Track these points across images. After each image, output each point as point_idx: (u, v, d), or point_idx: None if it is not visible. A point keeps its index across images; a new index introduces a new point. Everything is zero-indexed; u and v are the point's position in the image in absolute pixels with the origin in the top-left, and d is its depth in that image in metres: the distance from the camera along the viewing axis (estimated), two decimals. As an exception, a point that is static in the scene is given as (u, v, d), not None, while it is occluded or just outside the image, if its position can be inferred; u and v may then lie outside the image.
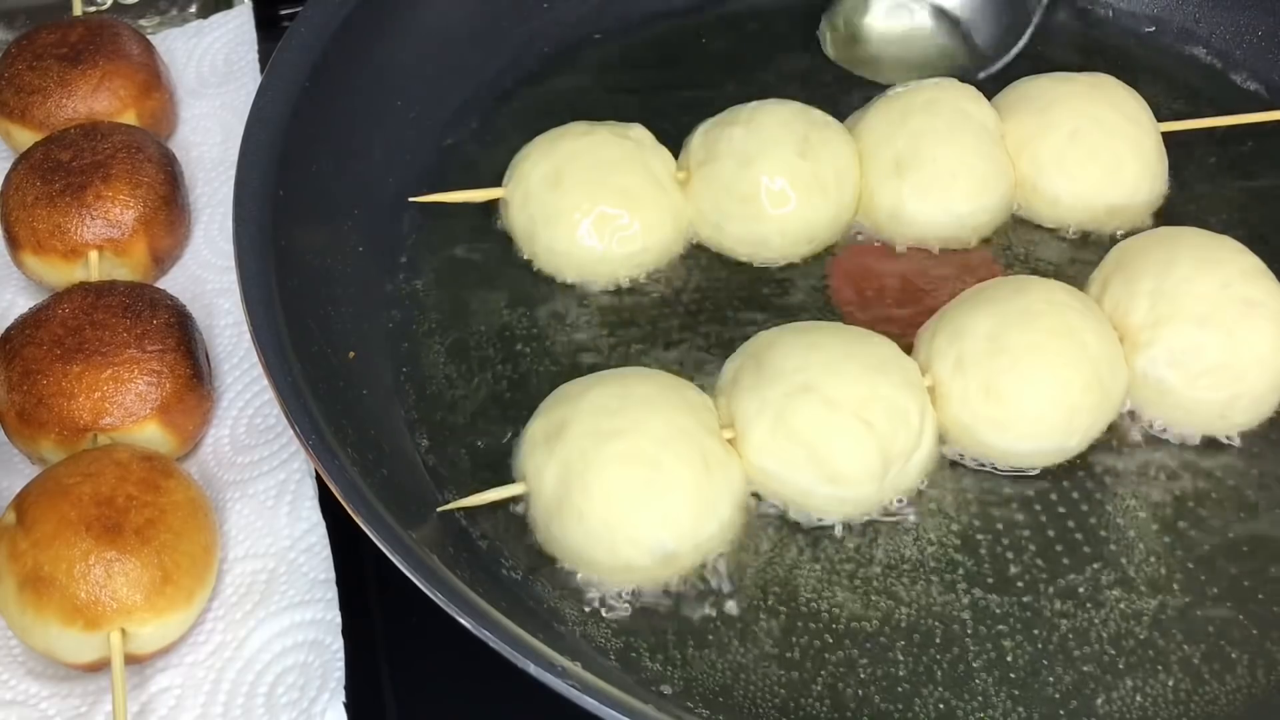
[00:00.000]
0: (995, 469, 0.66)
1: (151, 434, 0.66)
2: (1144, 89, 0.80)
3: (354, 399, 0.64)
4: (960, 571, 0.63)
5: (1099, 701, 0.59)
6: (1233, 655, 0.60)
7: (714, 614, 0.61)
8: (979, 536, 0.64)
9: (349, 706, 0.58)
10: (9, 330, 0.69)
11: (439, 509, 0.63)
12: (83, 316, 0.68)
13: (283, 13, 0.99)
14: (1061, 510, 0.65)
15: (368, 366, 0.68)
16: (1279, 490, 0.66)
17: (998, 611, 0.61)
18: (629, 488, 0.60)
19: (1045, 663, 0.60)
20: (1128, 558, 0.63)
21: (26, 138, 0.81)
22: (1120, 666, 0.60)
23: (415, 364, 0.72)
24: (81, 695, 0.60)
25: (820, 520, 0.64)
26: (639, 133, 0.76)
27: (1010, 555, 0.63)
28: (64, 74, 0.81)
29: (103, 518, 0.59)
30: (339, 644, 0.60)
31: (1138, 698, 0.59)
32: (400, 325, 0.73)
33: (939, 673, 0.59)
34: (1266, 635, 0.61)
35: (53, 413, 0.65)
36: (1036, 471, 0.66)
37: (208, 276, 0.78)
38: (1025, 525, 0.64)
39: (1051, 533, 0.64)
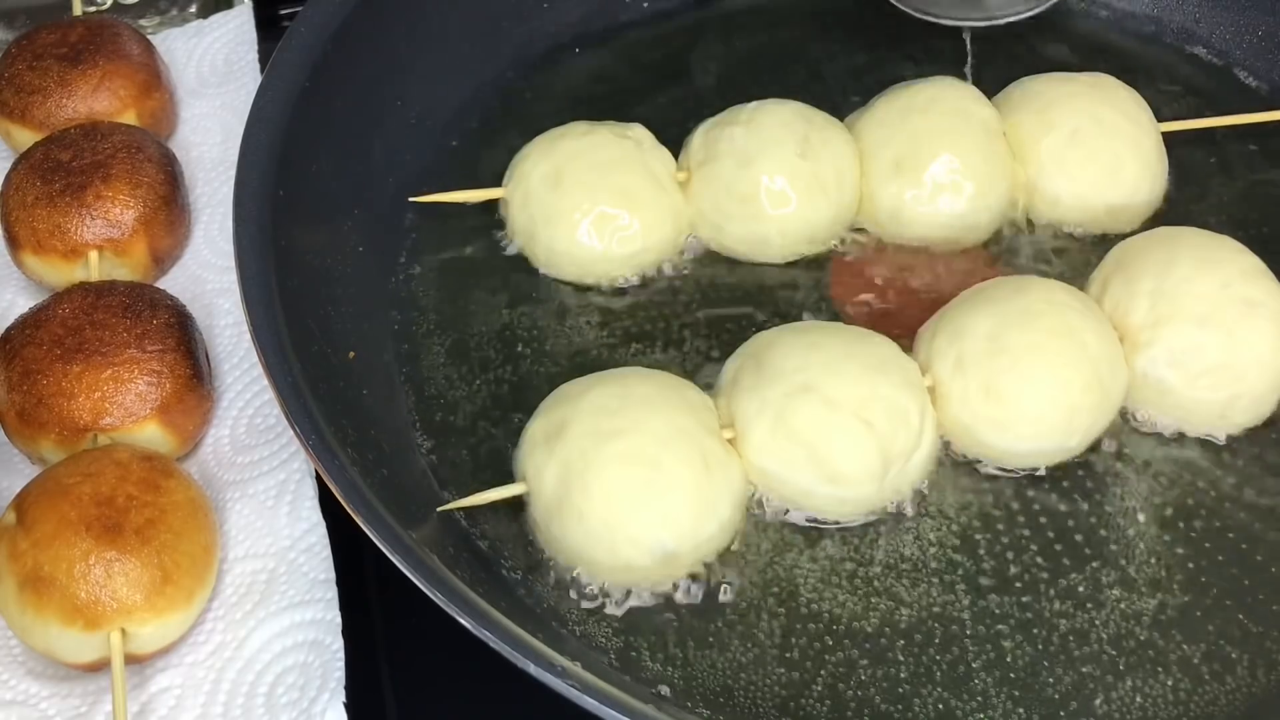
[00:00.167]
0: (995, 469, 0.66)
1: (151, 434, 0.66)
2: (1144, 89, 0.80)
3: (354, 399, 0.64)
4: (960, 572, 0.63)
5: (1098, 702, 0.59)
6: (1233, 655, 0.60)
7: (714, 614, 0.61)
8: (979, 536, 0.64)
9: (349, 706, 0.58)
10: (9, 330, 0.69)
11: (439, 509, 0.63)
12: (83, 316, 0.68)
13: (283, 13, 0.99)
14: (1061, 510, 0.65)
15: (368, 366, 0.68)
16: (1279, 490, 0.66)
17: (998, 612, 0.61)
18: (629, 488, 0.60)
19: (1045, 663, 0.60)
20: (1128, 558, 0.63)
21: (26, 138, 0.81)
22: (1120, 667, 0.60)
23: (415, 364, 0.72)
24: (81, 695, 0.60)
25: (820, 520, 0.64)
26: (639, 133, 0.76)
27: (1010, 555, 0.63)
28: (64, 74, 0.81)
29: (103, 518, 0.59)
30: (339, 644, 0.60)
31: (1137, 698, 0.59)
32: (400, 325, 0.73)
33: (939, 673, 0.59)
34: (1266, 635, 0.61)
35: (53, 413, 0.65)
36: (1036, 471, 0.66)
37: (208, 276, 0.78)
38: (1025, 525, 0.64)
39: (1051, 533, 0.64)
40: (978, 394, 0.64)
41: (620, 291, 0.74)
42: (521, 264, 0.76)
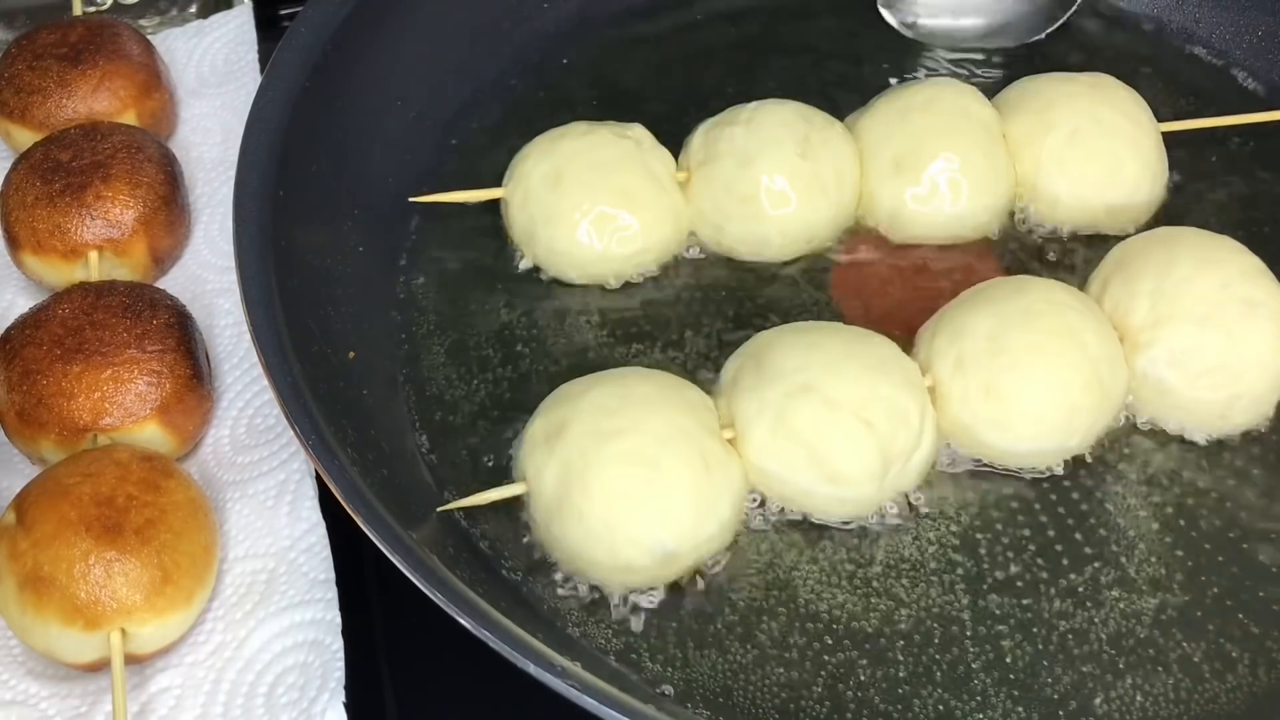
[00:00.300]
0: (996, 469, 0.66)
1: (151, 434, 0.66)
2: (1144, 89, 0.79)
3: (354, 399, 0.64)
4: (960, 572, 0.63)
5: (1098, 701, 0.59)
6: (1233, 654, 0.60)
7: (714, 614, 0.61)
8: (979, 536, 0.64)
9: (349, 706, 0.58)
10: (9, 330, 0.69)
11: (439, 509, 0.63)
12: (83, 316, 0.68)
13: (283, 13, 0.99)
14: (1061, 510, 0.65)
15: (368, 366, 0.68)
16: (1279, 490, 0.66)
17: (997, 612, 0.61)
18: (629, 488, 0.60)
19: (1045, 663, 0.60)
20: (1128, 558, 0.63)
21: (26, 138, 0.81)
22: (1120, 666, 0.60)
23: (415, 364, 0.72)
24: (81, 695, 0.60)
25: (820, 520, 0.64)
26: (639, 132, 0.76)
27: (1010, 555, 0.63)
28: (64, 74, 0.81)
29: (103, 518, 0.59)
30: (339, 644, 0.60)
31: (1137, 697, 0.59)
32: (400, 325, 0.73)
33: (938, 673, 0.59)
34: (1266, 635, 0.61)
35: (53, 413, 0.65)
36: (1036, 471, 0.66)
37: (208, 276, 0.78)
38: (1025, 525, 0.64)
39: (1051, 533, 0.64)
40: (978, 394, 0.64)
41: (620, 291, 0.74)
42: (522, 265, 0.76)
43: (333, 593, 0.62)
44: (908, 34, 0.88)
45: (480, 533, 0.64)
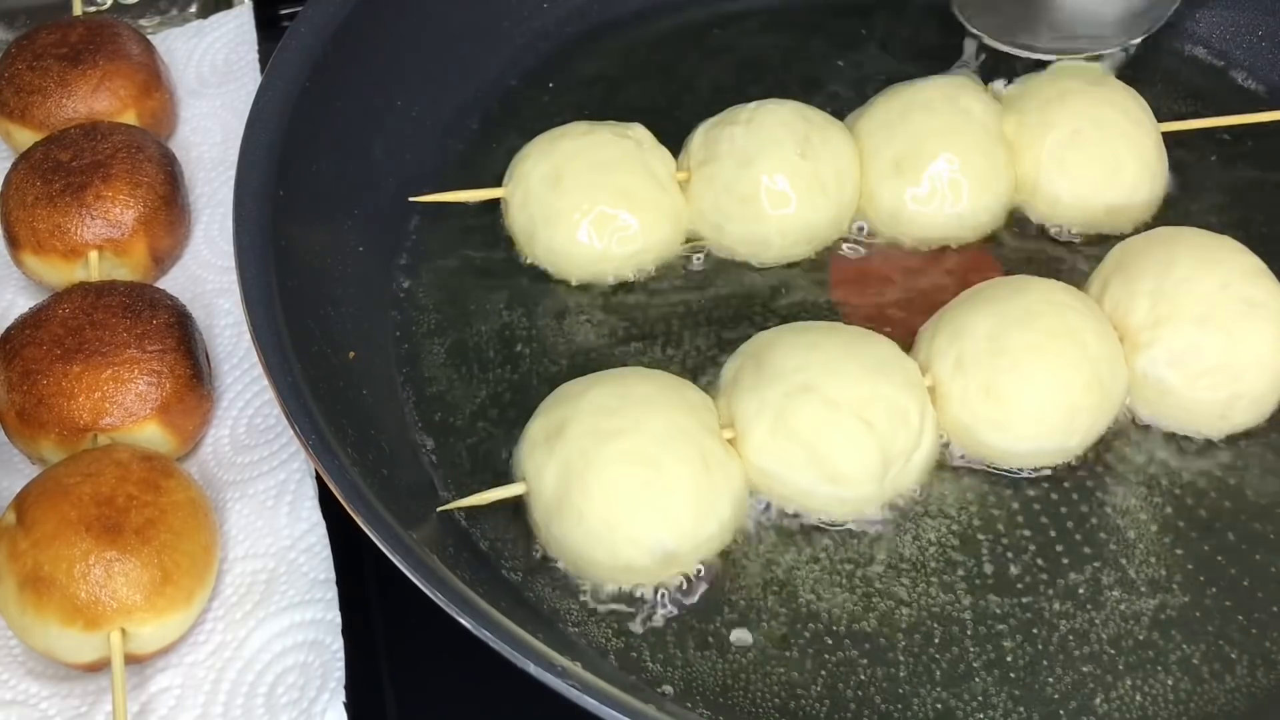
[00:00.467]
0: (995, 469, 0.66)
1: (151, 434, 0.66)
2: (1144, 89, 0.79)
3: (354, 399, 0.64)
4: (960, 572, 0.63)
5: (1098, 701, 0.59)
6: (1232, 655, 0.60)
7: (714, 614, 0.61)
8: (979, 536, 0.64)
9: (349, 706, 0.58)
10: (9, 330, 0.69)
11: (439, 509, 0.63)
12: (83, 316, 0.68)
13: (283, 13, 0.99)
14: (1061, 510, 0.65)
15: (368, 366, 0.68)
16: (1279, 490, 0.66)
17: (998, 611, 0.61)
18: (629, 488, 0.60)
19: (1045, 663, 0.60)
20: (1128, 558, 0.63)
21: (26, 138, 0.81)
22: (1120, 666, 0.60)
23: (415, 364, 0.72)
24: (81, 695, 0.60)
25: (820, 520, 0.64)
26: (639, 132, 0.76)
27: (1010, 555, 0.63)
28: (64, 74, 0.81)
29: (103, 518, 0.59)
30: (339, 644, 0.60)
31: (1137, 697, 0.59)
32: (400, 325, 0.73)
33: (939, 673, 0.59)
34: (1266, 635, 0.61)
35: (53, 413, 0.65)
36: (1036, 472, 0.66)
37: (208, 276, 0.78)
38: (1025, 525, 0.64)
39: (1052, 533, 0.64)
40: (978, 394, 0.64)
41: (620, 291, 0.75)
42: (521, 264, 0.76)
43: (333, 593, 0.62)
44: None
45: (480, 533, 0.64)
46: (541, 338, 0.73)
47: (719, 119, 0.77)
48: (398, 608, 0.67)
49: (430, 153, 0.81)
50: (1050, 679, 0.59)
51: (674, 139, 0.77)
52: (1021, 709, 0.58)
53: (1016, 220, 0.77)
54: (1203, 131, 0.81)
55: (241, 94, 0.88)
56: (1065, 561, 0.63)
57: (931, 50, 0.88)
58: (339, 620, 0.61)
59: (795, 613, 0.61)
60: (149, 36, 0.89)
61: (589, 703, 0.49)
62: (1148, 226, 0.76)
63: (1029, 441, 0.65)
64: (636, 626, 0.61)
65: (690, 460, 0.61)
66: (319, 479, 0.65)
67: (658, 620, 0.61)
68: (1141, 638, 0.61)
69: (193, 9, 0.98)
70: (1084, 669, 0.60)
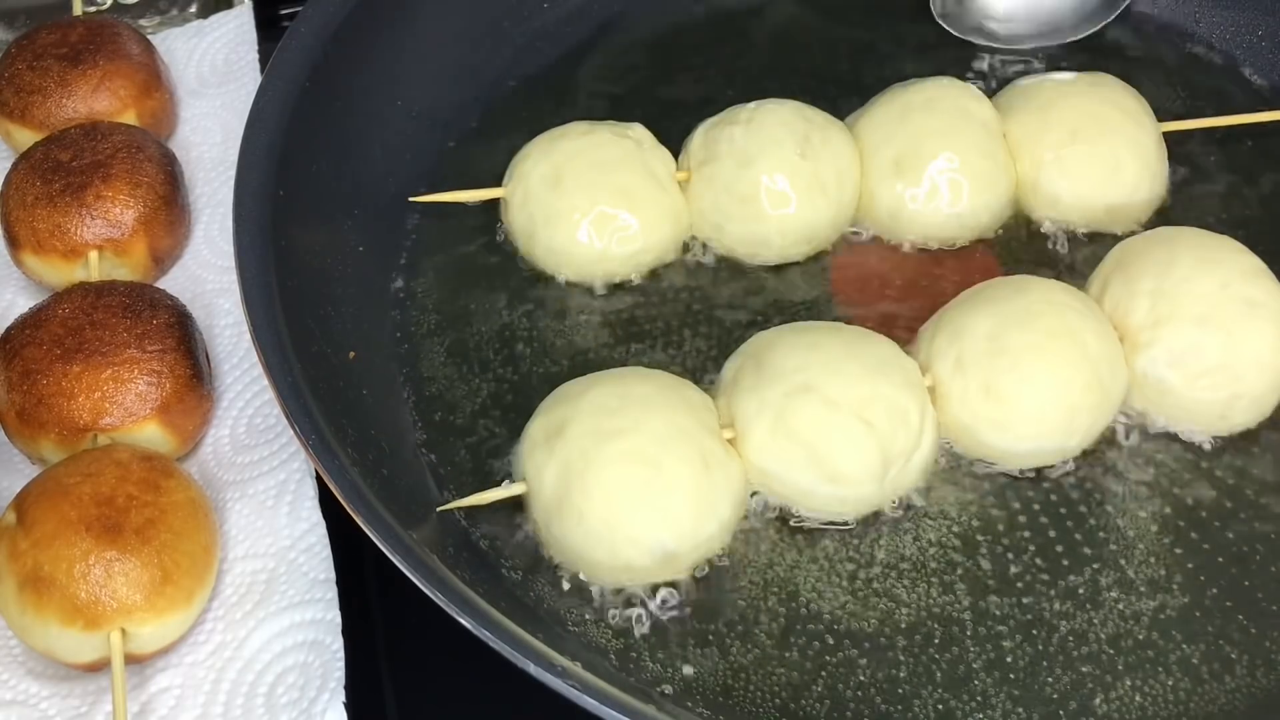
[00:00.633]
0: (995, 469, 0.66)
1: (151, 434, 0.66)
2: (1144, 89, 0.79)
3: (354, 399, 0.64)
4: (960, 572, 0.63)
5: (1098, 701, 0.59)
6: (1232, 655, 0.60)
7: (714, 614, 0.61)
8: (979, 537, 0.64)
9: (349, 706, 0.58)
10: (9, 330, 0.69)
11: (439, 509, 0.63)
12: (83, 316, 0.68)
13: (283, 13, 0.99)
14: (1061, 510, 0.65)
15: (368, 366, 0.68)
16: (1279, 490, 0.66)
17: (998, 612, 0.61)
18: (629, 488, 0.60)
19: (1045, 663, 0.60)
20: (1128, 558, 0.63)
21: (26, 138, 0.81)
22: (1119, 667, 0.60)
23: (415, 364, 0.72)
24: (81, 695, 0.60)
25: (820, 520, 0.64)
26: (639, 132, 0.76)
27: (1010, 555, 0.63)
28: (64, 74, 0.81)
29: (103, 518, 0.59)
30: (339, 644, 0.60)
31: (1137, 698, 0.59)
32: (400, 325, 0.73)
33: (938, 673, 0.59)
34: (1266, 635, 0.61)
35: (53, 413, 0.65)
36: (1037, 472, 0.66)
37: (208, 276, 0.78)
38: (1025, 525, 0.64)
39: (1052, 533, 0.64)
40: (978, 394, 0.64)
41: (620, 291, 0.75)
42: (521, 264, 0.76)
43: (333, 592, 0.62)
44: (957, 33, 0.88)
45: (480, 533, 0.64)
46: (541, 338, 0.73)
47: (719, 119, 0.77)
48: (398, 608, 0.67)
49: (430, 153, 0.81)
50: (1050, 679, 0.59)
51: (674, 139, 0.77)
52: (1021, 709, 0.58)
53: (1017, 220, 0.77)
54: (1203, 131, 0.81)
55: (241, 94, 0.88)
56: (1065, 562, 0.63)
57: (934, 51, 0.88)
58: (339, 620, 0.61)
59: (795, 613, 0.61)
60: (149, 36, 0.89)
61: (589, 703, 0.49)
62: (1148, 226, 0.76)
63: (1029, 441, 0.65)
64: (636, 626, 0.61)
65: (690, 460, 0.61)
66: (319, 479, 0.65)
67: (657, 620, 0.61)
68: (1141, 638, 0.61)
69: (193, 9, 0.98)
70: (1084, 669, 0.60)
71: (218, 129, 0.87)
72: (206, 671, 0.60)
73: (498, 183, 0.77)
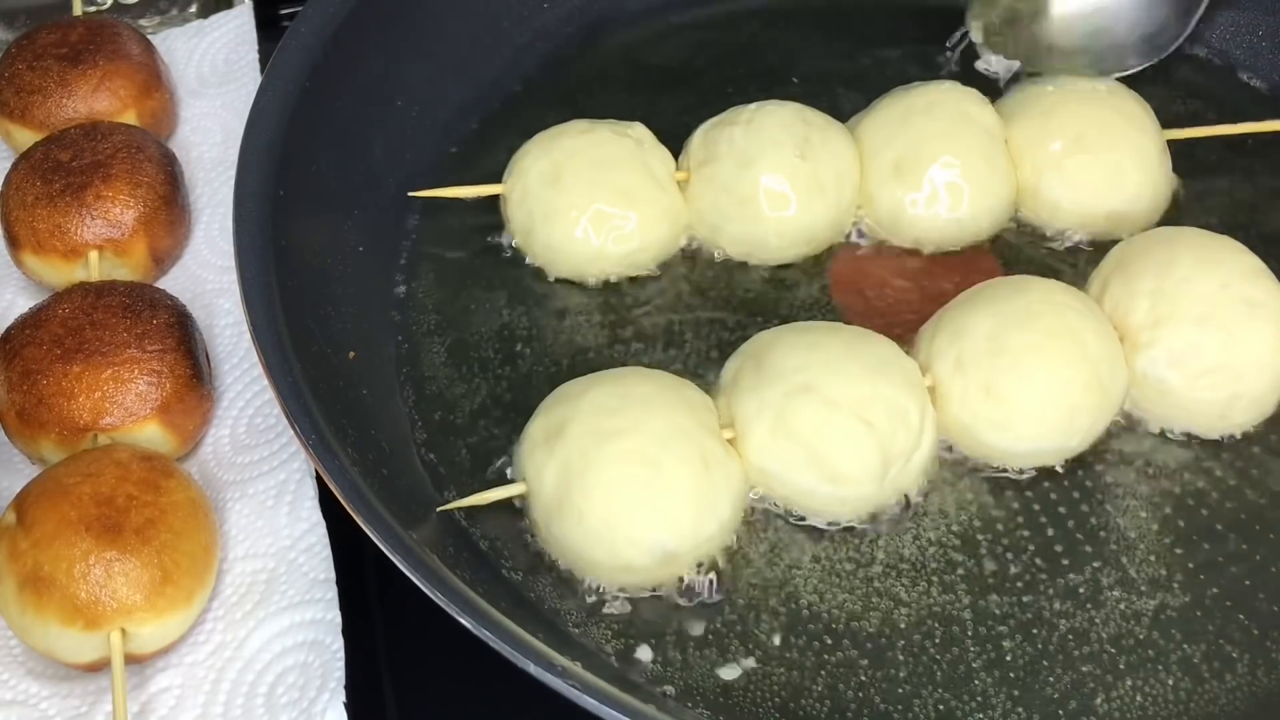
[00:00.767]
0: (996, 469, 0.66)
1: (151, 434, 0.66)
2: (1144, 89, 0.79)
3: (354, 399, 0.64)
4: (960, 571, 0.63)
5: (1098, 701, 0.59)
6: (1233, 655, 0.60)
7: (714, 614, 0.61)
8: (979, 536, 0.64)
9: (349, 706, 0.58)
10: (9, 330, 0.69)
11: (439, 509, 0.63)
12: (83, 316, 0.68)
13: (283, 13, 0.99)
14: (1061, 510, 0.65)
15: (368, 366, 0.68)
16: (1279, 490, 0.66)
17: (998, 612, 0.61)
18: (629, 488, 0.60)
19: (1045, 663, 0.60)
20: (1128, 558, 0.63)
21: (26, 138, 0.81)
22: (1120, 666, 0.60)
23: (415, 364, 0.72)
24: (81, 695, 0.60)
25: (820, 520, 0.64)
26: (639, 131, 0.76)
27: (1010, 555, 0.63)
28: (64, 74, 0.81)
29: (103, 518, 0.59)
30: (339, 644, 0.60)
31: (1137, 697, 0.59)
32: (400, 325, 0.73)
33: (939, 673, 0.59)
34: (1266, 635, 0.61)
35: (53, 413, 0.65)
36: (1037, 472, 0.66)
37: (208, 276, 0.78)
38: (1025, 525, 0.64)
39: (1051, 533, 0.64)
40: (978, 394, 0.64)
41: (620, 291, 0.75)
42: (521, 264, 0.76)
43: (333, 592, 0.62)
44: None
45: (480, 533, 0.64)
46: (541, 338, 0.73)
47: (719, 119, 0.77)
48: (398, 608, 0.67)
49: (430, 153, 0.81)
50: (1050, 679, 0.59)
51: (675, 139, 0.77)
52: (1021, 709, 0.58)
53: (1017, 225, 0.77)
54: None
55: (241, 94, 0.88)
56: (1065, 561, 0.63)
57: (936, 54, 0.88)
58: (339, 620, 0.61)
59: (795, 613, 0.61)
60: (149, 36, 0.89)
61: (589, 703, 0.49)
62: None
63: (1029, 441, 0.65)
64: (636, 626, 0.61)
65: (690, 460, 0.61)
66: (319, 479, 0.65)
67: (658, 620, 0.61)
68: (1142, 637, 0.61)
69: (193, 9, 0.98)
70: (1084, 669, 0.60)
71: (218, 129, 0.87)
72: (206, 671, 0.60)
73: (498, 181, 0.77)
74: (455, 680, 0.64)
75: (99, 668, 0.60)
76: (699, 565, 0.62)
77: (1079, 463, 0.66)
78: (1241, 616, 0.61)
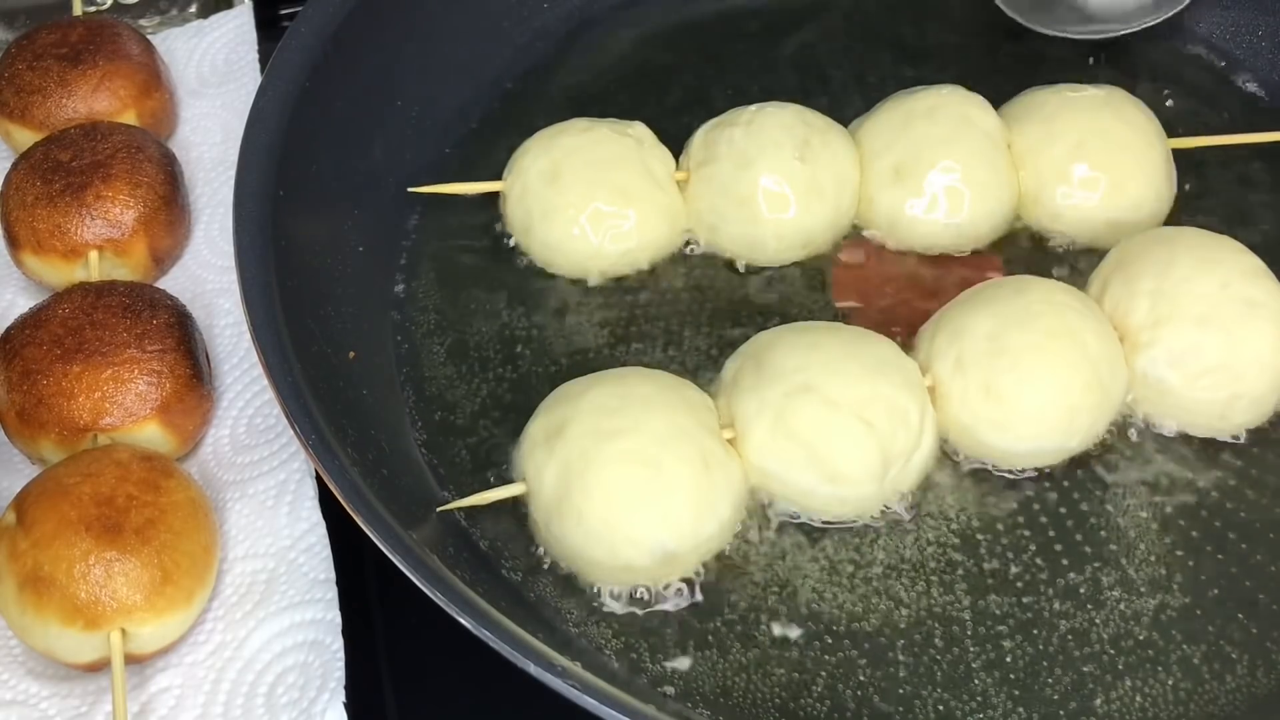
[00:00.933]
0: (996, 469, 0.66)
1: (151, 434, 0.66)
2: (1144, 89, 0.79)
3: (354, 399, 0.64)
4: (960, 572, 0.63)
5: (1098, 701, 0.59)
6: (1233, 655, 0.60)
7: (714, 614, 0.61)
8: (979, 537, 0.64)
9: (349, 706, 0.58)
10: (9, 330, 0.69)
11: (439, 509, 0.63)
12: (83, 316, 0.68)
13: (283, 13, 0.99)
14: (1061, 510, 0.65)
15: (368, 366, 0.68)
16: (1279, 490, 0.66)
17: (998, 612, 0.61)
18: (629, 488, 0.60)
19: (1045, 663, 0.60)
20: (1128, 558, 0.63)
21: (26, 138, 0.81)
22: (1120, 666, 0.60)
23: (415, 364, 0.72)
24: (81, 695, 0.60)
25: (820, 520, 0.64)
26: (639, 131, 0.76)
27: (1010, 555, 0.63)
28: (64, 74, 0.81)
29: (103, 518, 0.59)
30: (339, 644, 0.60)
31: (1137, 698, 0.59)
32: (400, 325, 0.73)
33: (939, 673, 0.59)
34: (1266, 635, 0.61)
35: (53, 413, 0.65)
36: (1037, 472, 0.66)
37: (208, 276, 0.78)
38: (1025, 525, 0.64)
39: (1051, 533, 0.64)
40: (978, 394, 0.64)
41: (620, 291, 0.75)
42: (522, 265, 0.76)
43: (333, 593, 0.62)
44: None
45: (480, 533, 0.64)
46: (541, 338, 0.73)
47: (720, 120, 0.77)
48: (398, 608, 0.67)
49: (430, 152, 0.81)
50: (1050, 679, 0.59)
51: (676, 139, 0.77)
52: (1021, 709, 0.58)
53: (1017, 230, 0.77)
54: (1204, 134, 0.81)
55: (241, 94, 0.88)
56: (1065, 561, 0.63)
57: (938, 56, 0.88)
58: (339, 620, 0.61)
59: (795, 613, 0.61)
60: (149, 36, 0.89)
61: (589, 703, 0.49)
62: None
63: (1029, 441, 0.65)
64: (636, 626, 0.61)
65: (690, 460, 0.61)
66: (319, 479, 0.65)
67: (657, 620, 0.61)
68: (1141, 638, 0.61)
69: (193, 9, 0.98)
70: (1084, 669, 0.60)
71: (218, 129, 0.87)
72: (206, 671, 0.60)
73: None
74: (455, 680, 0.64)
75: (99, 668, 0.60)
76: (699, 565, 0.62)
77: (1079, 463, 0.66)
78: (1241, 617, 0.61)
